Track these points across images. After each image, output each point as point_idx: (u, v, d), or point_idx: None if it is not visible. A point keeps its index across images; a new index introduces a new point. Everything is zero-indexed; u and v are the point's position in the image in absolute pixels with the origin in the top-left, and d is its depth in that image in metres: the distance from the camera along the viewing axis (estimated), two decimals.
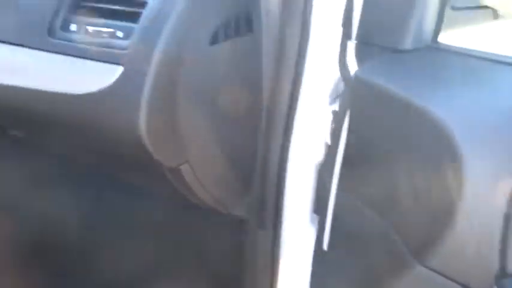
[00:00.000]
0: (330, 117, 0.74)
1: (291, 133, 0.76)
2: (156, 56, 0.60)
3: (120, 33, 0.64)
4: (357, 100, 0.66)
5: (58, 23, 0.67)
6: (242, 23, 0.71)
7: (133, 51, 0.61)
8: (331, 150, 0.73)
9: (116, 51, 0.63)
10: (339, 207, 0.74)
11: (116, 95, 0.63)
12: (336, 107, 0.74)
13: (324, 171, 0.77)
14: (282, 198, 0.79)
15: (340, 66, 0.71)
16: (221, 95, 0.73)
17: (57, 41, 0.67)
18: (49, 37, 0.67)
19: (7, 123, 0.77)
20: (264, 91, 0.76)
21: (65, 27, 0.68)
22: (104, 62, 0.63)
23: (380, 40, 0.66)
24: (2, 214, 1.00)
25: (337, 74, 0.76)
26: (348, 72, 0.70)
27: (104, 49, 0.64)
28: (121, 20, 0.65)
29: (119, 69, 0.62)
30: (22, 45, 0.69)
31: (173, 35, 0.61)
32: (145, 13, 0.63)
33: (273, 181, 0.78)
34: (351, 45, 0.70)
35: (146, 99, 0.61)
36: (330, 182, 0.73)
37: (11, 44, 0.70)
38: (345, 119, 0.70)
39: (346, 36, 0.70)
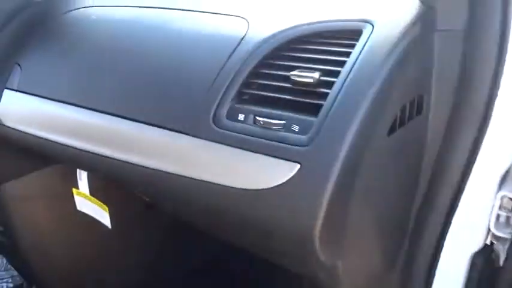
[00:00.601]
0: (498, 203, 0.64)
1: (451, 221, 0.66)
2: (341, 154, 0.52)
3: (295, 127, 0.55)
4: None
5: (224, 111, 0.61)
6: (413, 107, 0.62)
7: (313, 149, 0.53)
8: None
9: (291, 146, 0.54)
10: None
11: (289, 194, 0.54)
12: (507, 193, 0.63)
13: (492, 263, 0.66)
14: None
15: None
16: (386, 184, 0.63)
17: (223, 130, 0.60)
18: (214, 126, 0.61)
19: (162, 206, 0.72)
20: (422, 175, 0.67)
21: (232, 116, 0.61)
22: (276, 157, 0.55)
23: None
24: None
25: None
26: None
27: (277, 143, 0.56)
28: (296, 111, 0.57)
29: (295, 167, 0.54)
30: (184, 133, 0.63)
31: (359, 131, 0.52)
32: (327, 105, 0.54)
33: (420, 268, 0.69)
34: None
35: (326, 200, 0.52)
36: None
37: (172, 130, 0.64)
38: None
39: None
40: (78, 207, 1.13)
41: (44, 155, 0.91)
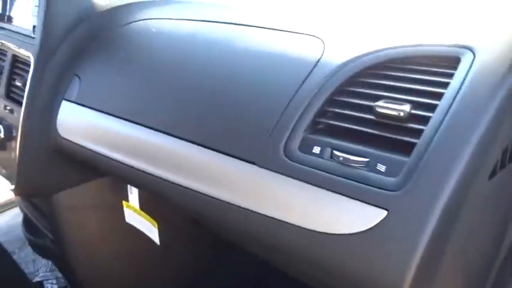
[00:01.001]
0: None
1: None
2: (439, 204, 0.43)
3: (381, 166, 0.47)
4: None
5: (297, 141, 0.53)
6: None
7: (405, 195, 0.44)
8: None
9: (377, 190, 0.46)
10: None
11: (372, 244, 0.46)
12: None
13: None
14: None
15: None
16: (478, 231, 0.54)
17: (295, 164, 0.52)
18: (285, 158, 0.53)
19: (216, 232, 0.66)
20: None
21: (305, 147, 0.53)
22: (358, 200, 0.47)
23: None
24: None
25: None
26: None
27: (358, 184, 0.47)
28: (381, 148, 0.49)
29: (381, 214, 0.45)
30: (249, 162, 0.56)
31: (460, 178, 0.43)
32: (421, 144, 0.46)
33: None
34: None
35: (418, 254, 0.44)
36: None
37: (235, 157, 0.57)
38: None
39: None
40: (127, 220, 1.09)
41: (97, 168, 0.87)
